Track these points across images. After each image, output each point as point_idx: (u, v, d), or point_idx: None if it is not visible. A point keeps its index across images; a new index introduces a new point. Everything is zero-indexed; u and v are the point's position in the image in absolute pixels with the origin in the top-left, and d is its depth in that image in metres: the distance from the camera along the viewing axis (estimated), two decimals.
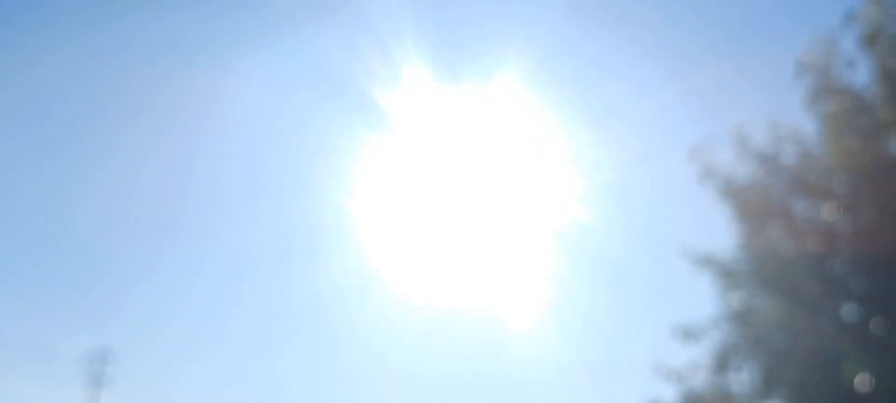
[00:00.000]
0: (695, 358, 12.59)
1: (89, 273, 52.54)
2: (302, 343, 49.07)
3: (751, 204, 12.06)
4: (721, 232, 12.57)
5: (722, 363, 12.35)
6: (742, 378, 12.27)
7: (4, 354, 46.59)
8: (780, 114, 12.08)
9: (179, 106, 40.53)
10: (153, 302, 50.69)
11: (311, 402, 52.95)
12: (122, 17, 38.83)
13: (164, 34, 39.72)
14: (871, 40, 10.93)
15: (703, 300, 12.82)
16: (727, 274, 12.42)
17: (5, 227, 48.06)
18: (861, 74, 11.29)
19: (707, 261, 12.53)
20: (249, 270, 51.39)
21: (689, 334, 12.52)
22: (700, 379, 12.59)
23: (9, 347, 45.52)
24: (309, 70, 42.11)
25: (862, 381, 10.57)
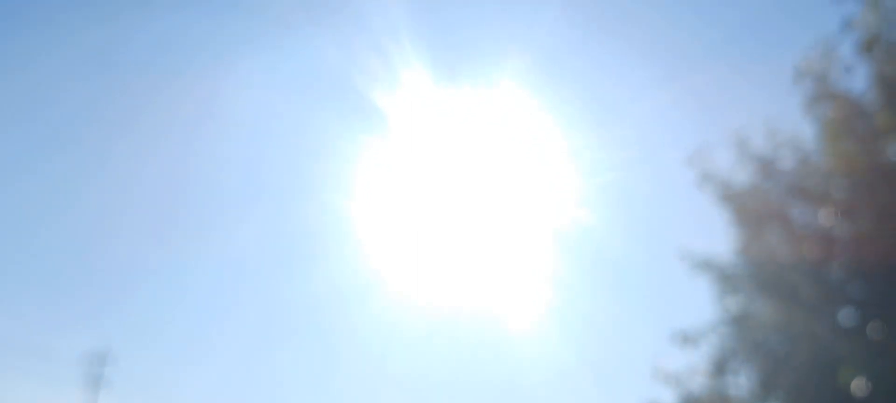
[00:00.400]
0: (693, 362, 12.66)
1: (88, 274, 52.57)
2: (301, 344, 49.08)
3: (749, 209, 12.11)
4: (720, 235, 12.64)
5: (720, 367, 12.39)
6: (740, 383, 12.31)
7: (4, 355, 46.63)
8: (778, 118, 12.14)
9: (178, 107, 40.53)
10: (152, 303, 50.75)
11: None
12: (119, 19, 38.88)
13: (161, 36, 39.76)
14: (868, 46, 10.97)
15: (702, 301, 12.88)
16: (725, 278, 12.46)
17: (4, 228, 48.10)
18: (859, 80, 11.34)
19: (705, 265, 12.57)
20: (248, 272, 51.40)
21: (687, 338, 12.56)
22: (698, 383, 12.64)
23: (8, 348, 45.59)
24: (307, 72, 42.12)
25: (859, 386, 10.60)
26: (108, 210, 50.73)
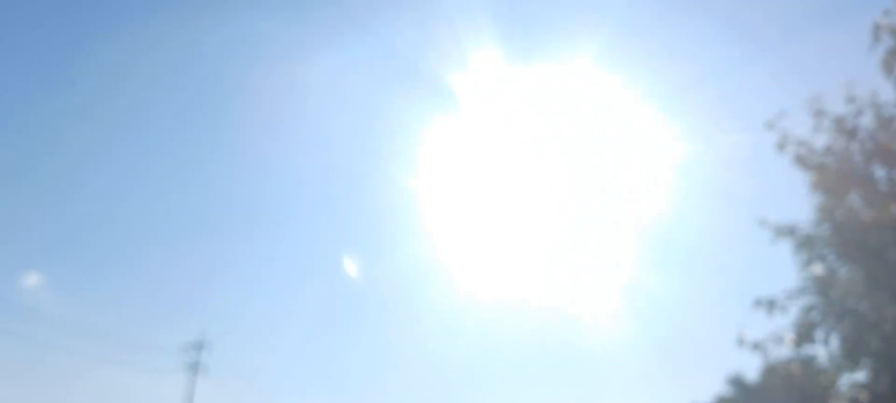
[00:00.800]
0: (777, 330, 12.54)
1: (185, 268, 55.38)
2: (375, 327, 50.40)
3: (830, 172, 11.91)
4: (800, 206, 12.49)
5: (805, 333, 12.22)
6: (826, 349, 12.16)
7: (112, 347, 49.64)
8: (857, 81, 11.92)
9: (260, 99, 41.95)
10: (239, 292, 53.13)
11: (383, 385, 54.43)
12: (206, 15, 40.54)
13: (243, 27, 41.28)
14: None
15: (783, 275, 12.73)
16: (808, 244, 12.28)
17: (110, 231, 51.06)
18: None
19: (787, 232, 12.43)
20: (328, 257, 53.02)
21: (771, 305, 12.44)
22: (783, 351, 12.54)
23: (116, 340, 48.76)
24: (381, 54, 42.87)
25: None
26: (199, 206, 53.15)
